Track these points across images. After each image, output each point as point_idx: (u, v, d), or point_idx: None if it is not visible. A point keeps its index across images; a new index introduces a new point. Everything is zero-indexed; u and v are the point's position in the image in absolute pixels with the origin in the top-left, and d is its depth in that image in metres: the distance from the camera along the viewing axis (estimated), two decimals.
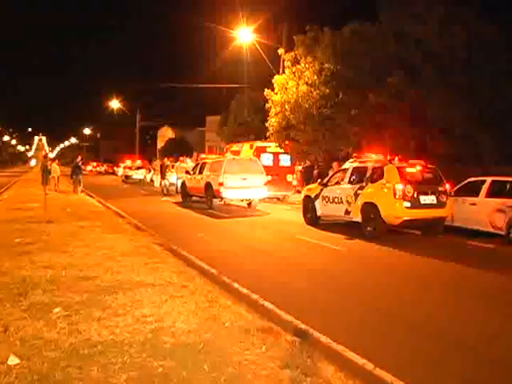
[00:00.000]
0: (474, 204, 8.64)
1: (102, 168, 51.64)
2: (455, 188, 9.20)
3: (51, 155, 61.29)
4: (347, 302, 4.72)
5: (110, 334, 3.43)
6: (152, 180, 29.57)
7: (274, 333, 3.65)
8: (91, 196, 16.88)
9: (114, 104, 43.07)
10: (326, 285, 5.37)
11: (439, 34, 11.10)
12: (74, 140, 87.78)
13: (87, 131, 70.27)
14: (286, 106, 14.46)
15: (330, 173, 11.34)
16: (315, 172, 14.61)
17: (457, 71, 10.89)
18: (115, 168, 44.89)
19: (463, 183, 9.25)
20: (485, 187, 8.55)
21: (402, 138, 11.82)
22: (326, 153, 14.36)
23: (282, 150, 15.72)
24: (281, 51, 15.15)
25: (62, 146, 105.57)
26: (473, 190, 8.80)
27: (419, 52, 11.38)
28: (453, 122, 10.91)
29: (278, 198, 16.21)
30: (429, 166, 8.97)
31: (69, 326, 3.57)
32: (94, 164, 57.21)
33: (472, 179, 9.14)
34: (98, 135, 69.92)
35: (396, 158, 9.15)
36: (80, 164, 18.14)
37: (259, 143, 16.27)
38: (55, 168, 19.17)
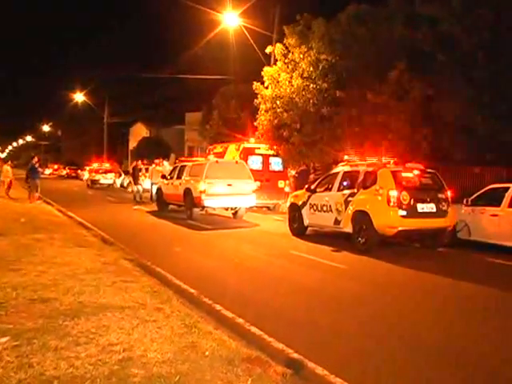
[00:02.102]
0: (495, 215, 8.63)
1: (64, 171, 51.16)
2: (473, 196, 9.22)
3: (1, 155, 60.31)
4: (348, 327, 4.73)
5: (68, 367, 3.35)
6: (123, 186, 29.40)
7: (261, 363, 3.63)
8: (50, 204, 16.66)
9: (78, 97, 42.71)
10: (322, 307, 5.38)
11: (461, 14, 10.81)
12: (29, 138, 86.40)
13: (46, 128, 69.30)
14: (278, 102, 14.57)
15: None
16: (311, 177, 14.71)
17: (479, 59, 10.65)
18: (79, 171, 44.55)
19: (483, 191, 9.21)
20: (508, 195, 8.48)
21: (409, 140, 11.96)
22: (325, 155, 14.48)
23: (273, 152, 15.81)
24: (269, 49, 15.20)
25: (14, 144, 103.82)
26: (494, 199, 8.79)
27: (433, 36, 11.28)
28: (473, 120, 10.83)
29: (268, 207, 16.25)
30: (428, 170, 9.12)
31: (18, 358, 3.47)
32: (55, 166, 56.63)
33: (493, 186, 9.12)
34: (59, 133, 69.02)
35: (391, 162, 9.28)
36: (36, 166, 17.88)
37: (247, 144, 16.33)
38: (7, 171, 18.86)
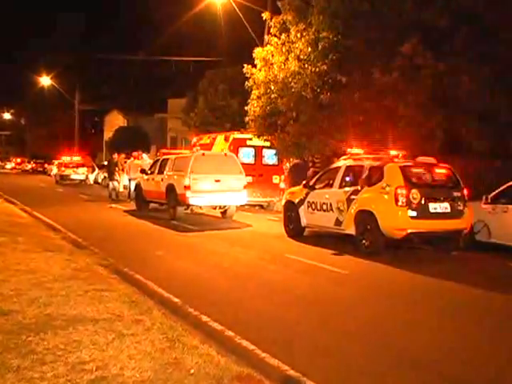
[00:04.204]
0: None
1: (29, 165, 50.81)
2: (494, 193, 9.20)
3: None
4: (350, 342, 4.73)
5: None
6: (97, 182, 29.28)
7: (254, 382, 3.62)
8: (13, 202, 16.51)
9: (45, 81, 42.23)
10: (321, 319, 5.38)
11: None
12: None
13: (7, 116, 68.54)
14: (272, 87, 14.53)
15: None
16: (310, 171, 14.72)
17: (504, 34, 10.50)
18: (47, 165, 44.26)
19: (505, 186, 9.14)
20: None
21: (420, 128, 11.96)
22: (325, 147, 14.47)
23: (267, 144, 15.79)
24: (266, 16, 15.17)
25: None
26: None
27: (449, 10, 11.20)
28: (495, 104, 10.71)
29: (262, 206, 16.26)
30: (441, 164, 9.11)
31: None
32: (18, 160, 56.18)
33: None
34: (23, 121, 68.32)
35: (400, 155, 9.30)
36: None
37: (237, 134, 16.30)
38: None
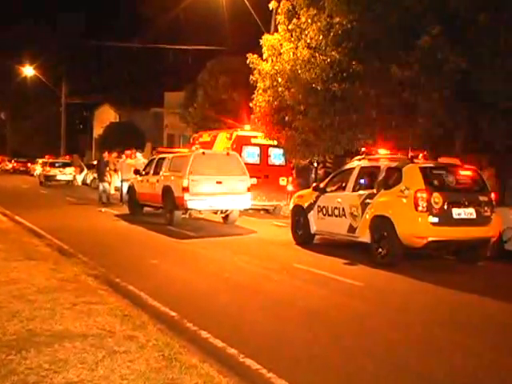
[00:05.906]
0: None
1: (10, 165, 51.00)
2: None
3: None
4: (363, 359, 4.72)
5: None
6: (86, 183, 29.40)
7: None
8: None
9: (28, 71, 42.36)
10: (331, 337, 5.38)
11: None
12: None
13: None
14: (279, 79, 14.54)
15: None
16: (321, 172, 14.74)
17: None
18: (30, 165, 44.43)
19: None
20: None
21: (443, 125, 11.93)
22: (336, 145, 14.46)
23: (274, 142, 15.81)
24: (273, 5, 15.18)
25: None
26: None
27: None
28: None
29: (267, 210, 16.27)
30: (467, 166, 9.11)
31: None
32: None
33: None
34: (3, 116, 68.68)
35: (420, 156, 9.29)
36: None
37: (240, 132, 16.33)
38: None
